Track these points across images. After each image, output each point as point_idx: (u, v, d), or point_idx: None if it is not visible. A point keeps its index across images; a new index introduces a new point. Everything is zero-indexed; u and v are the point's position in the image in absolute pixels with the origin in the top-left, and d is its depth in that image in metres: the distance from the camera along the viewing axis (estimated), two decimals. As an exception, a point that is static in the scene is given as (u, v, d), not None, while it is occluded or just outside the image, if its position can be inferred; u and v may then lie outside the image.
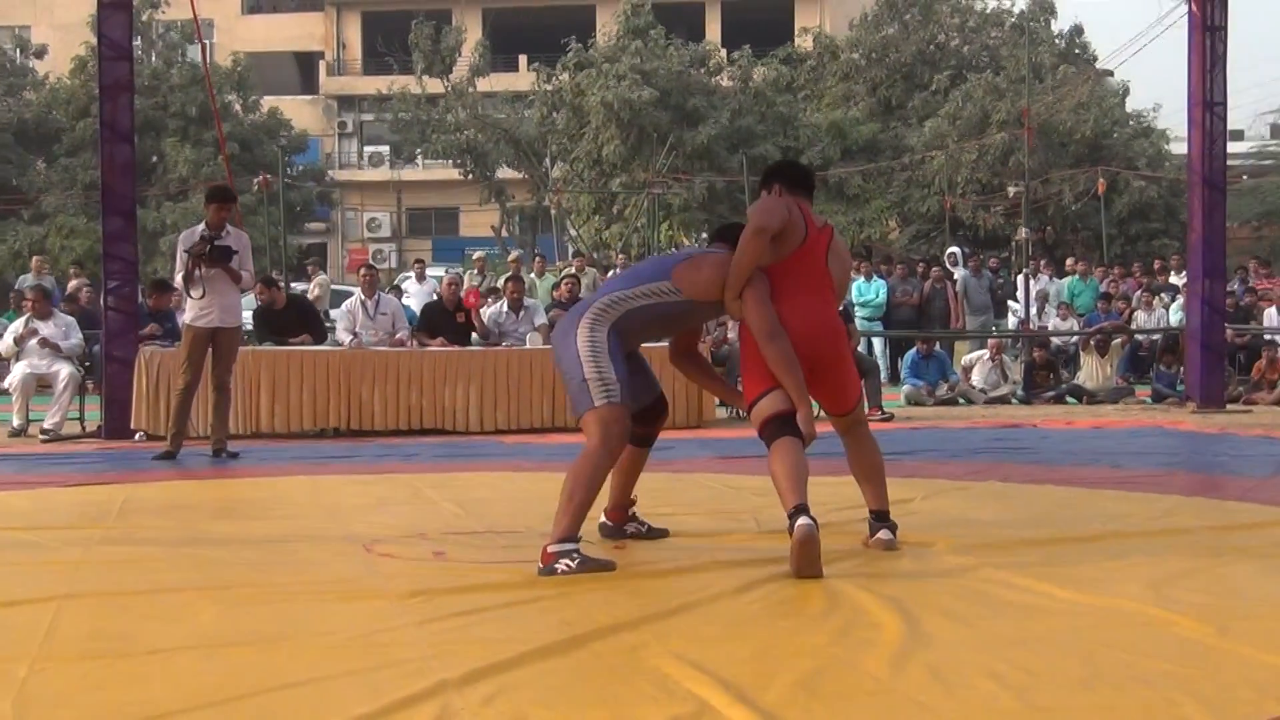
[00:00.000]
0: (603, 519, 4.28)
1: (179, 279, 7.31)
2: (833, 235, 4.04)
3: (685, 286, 3.85)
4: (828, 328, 3.92)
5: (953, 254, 16.67)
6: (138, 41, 26.75)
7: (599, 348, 3.76)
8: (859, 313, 13.60)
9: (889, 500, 4.11)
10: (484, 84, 29.32)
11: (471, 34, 31.44)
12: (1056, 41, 28.42)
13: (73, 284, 14.27)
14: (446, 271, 15.17)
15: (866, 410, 9.14)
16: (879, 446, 4.14)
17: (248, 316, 8.49)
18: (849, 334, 9.65)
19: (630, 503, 4.27)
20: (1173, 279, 15.44)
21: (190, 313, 7.29)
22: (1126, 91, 27.64)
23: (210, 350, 7.31)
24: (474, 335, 9.87)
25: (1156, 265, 16.91)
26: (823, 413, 4.09)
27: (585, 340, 3.77)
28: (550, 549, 3.63)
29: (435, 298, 12.82)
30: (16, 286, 15.03)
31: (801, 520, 3.52)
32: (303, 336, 9.37)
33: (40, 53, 31.73)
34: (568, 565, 3.58)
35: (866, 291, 14.17)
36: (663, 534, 4.30)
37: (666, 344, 4.41)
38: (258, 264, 9.34)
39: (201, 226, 7.31)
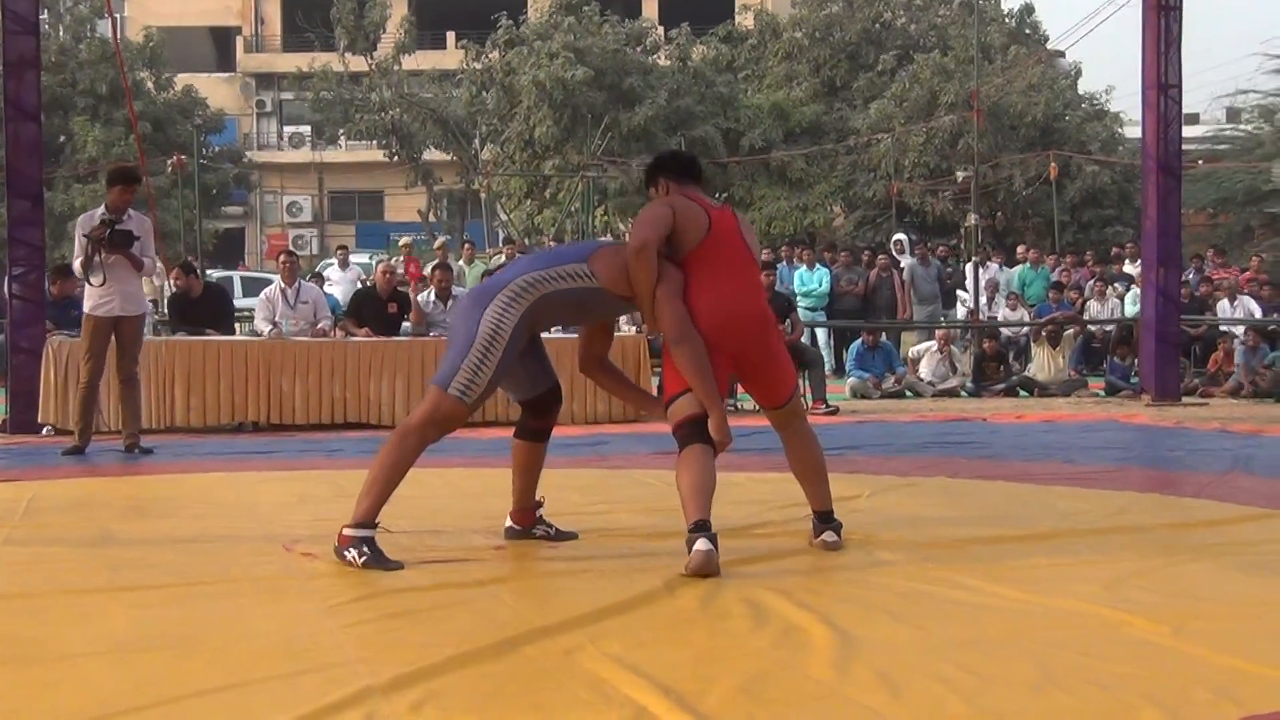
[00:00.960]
0: (509, 523, 4.17)
1: (77, 265, 7.02)
2: (733, 212, 3.97)
3: (601, 273, 3.76)
4: (752, 316, 3.81)
5: (899, 241, 16.41)
6: (44, 15, 25.98)
7: (498, 338, 3.68)
8: (801, 303, 13.30)
9: (832, 498, 4.02)
10: (410, 62, 28.84)
11: (397, 9, 30.86)
12: (1006, 21, 28.18)
13: None
14: (372, 258, 14.89)
15: (810, 404, 9.20)
16: (819, 442, 4.05)
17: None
18: (791, 325, 9.65)
19: (536, 504, 4.15)
20: (1127, 268, 15.27)
21: (90, 301, 6.98)
22: (1079, 73, 27.50)
23: (114, 341, 7.03)
24: (405, 325, 9.64)
25: (1114, 253, 16.65)
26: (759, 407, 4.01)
27: (492, 323, 3.69)
28: (347, 531, 3.68)
29: (362, 284, 12.53)
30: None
31: (700, 544, 3.48)
32: (219, 327, 9.12)
33: (-60, 26, 30.67)
34: (355, 557, 3.63)
35: (809, 281, 13.94)
36: (571, 537, 4.15)
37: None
38: (171, 250, 9.04)
39: (101, 210, 7.02)
